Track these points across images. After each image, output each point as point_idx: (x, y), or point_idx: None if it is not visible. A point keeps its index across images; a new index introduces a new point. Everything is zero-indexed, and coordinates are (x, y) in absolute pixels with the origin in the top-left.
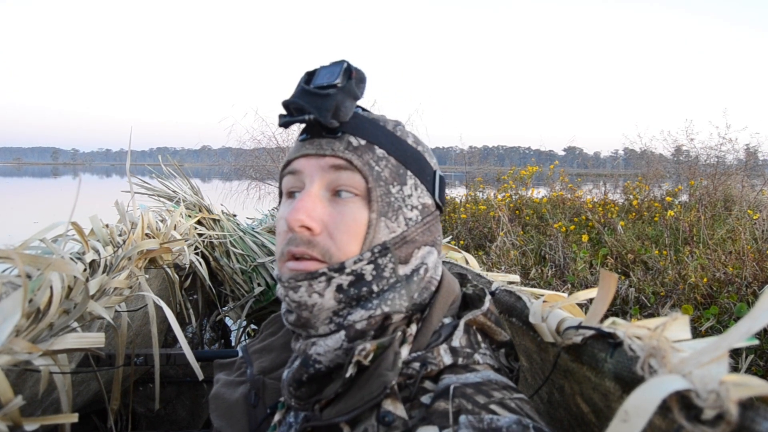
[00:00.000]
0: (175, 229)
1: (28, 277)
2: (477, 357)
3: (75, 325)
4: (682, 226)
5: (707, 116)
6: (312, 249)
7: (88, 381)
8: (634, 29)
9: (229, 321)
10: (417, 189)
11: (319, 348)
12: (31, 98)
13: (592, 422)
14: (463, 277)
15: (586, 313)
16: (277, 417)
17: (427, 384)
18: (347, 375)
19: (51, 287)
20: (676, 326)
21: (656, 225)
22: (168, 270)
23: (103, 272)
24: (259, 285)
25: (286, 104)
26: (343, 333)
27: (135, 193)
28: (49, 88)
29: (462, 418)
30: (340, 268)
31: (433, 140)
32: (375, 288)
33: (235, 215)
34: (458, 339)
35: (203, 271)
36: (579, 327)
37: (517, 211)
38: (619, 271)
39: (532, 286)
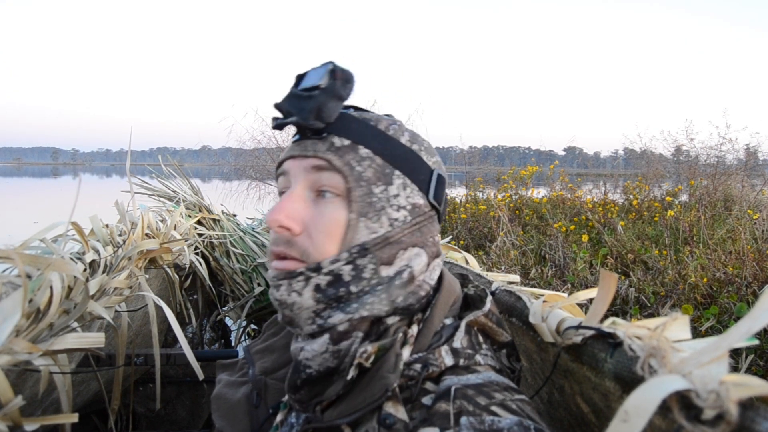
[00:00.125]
0: (175, 229)
1: (28, 277)
2: (478, 358)
3: (75, 325)
4: (682, 226)
5: (707, 116)
6: (291, 249)
7: (88, 381)
8: (634, 29)
9: (229, 321)
10: (406, 189)
11: (306, 353)
12: (31, 98)
13: (592, 422)
14: (464, 278)
15: (586, 313)
16: (279, 417)
17: (429, 385)
18: (348, 377)
19: (51, 287)
20: (676, 326)
21: (656, 225)
22: (168, 270)
23: (103, 272)
24: (259, 285)
25: (275, 107)
26: (327, 336)
27: (135, 193)
28: (49, 88)
29: (463, 419)
30: (317, 268)
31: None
32: (354, 289)
33: (235, 215)
34: (459, 340)
35: (203, 271)
36: (579, 327)
37: (517, 211)
38: (619, 271)
39: (532, 286)
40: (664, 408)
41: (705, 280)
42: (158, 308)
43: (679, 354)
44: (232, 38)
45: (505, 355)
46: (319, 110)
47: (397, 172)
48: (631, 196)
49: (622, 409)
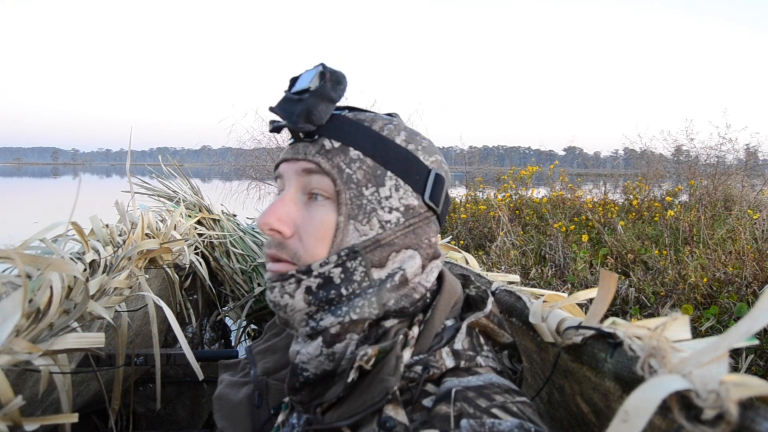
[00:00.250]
0: (175, 229)
1: (28, 277)
2: (479, 360)
3: (75, 325)
4: (682, 226)
5: (707, 116)
6: (282, 251)
7: (88, 381)
8: (634, 29)
9: (229, 321)
10: (398, 190)
11: (302, 356)
12: (31, 98)
13: (592, 422)
14: (466, 279)
15: (586, 313)
16: (280, 418)
17: (429, 387)
18: (349, 380)
19: (51, 287)
20: (676, 326)
21: (656, 225)
22: (168, 270)
23: (103, 272)
24: (259, 285)
25: (270, 110)
26: (320, 339)
27: (135, 193)
28: (49, 88)
29: (463, 422)
30: (308, 271)
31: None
32: (344, 291)
33: (235, 215)
34: (460, 342)
35: (203, 271)
36: (579, 327)
37: (517, 211)
38: (619, 271)
39: (532, 286)
40: (664, 408)
41: (705, 280)
42: (158, 308)
43: (679, 354)
44: (232, 38)
45: (507, 357)
46: (308, 113)
47: (389, 173)
48: (631, 196)
49: (622, 409)
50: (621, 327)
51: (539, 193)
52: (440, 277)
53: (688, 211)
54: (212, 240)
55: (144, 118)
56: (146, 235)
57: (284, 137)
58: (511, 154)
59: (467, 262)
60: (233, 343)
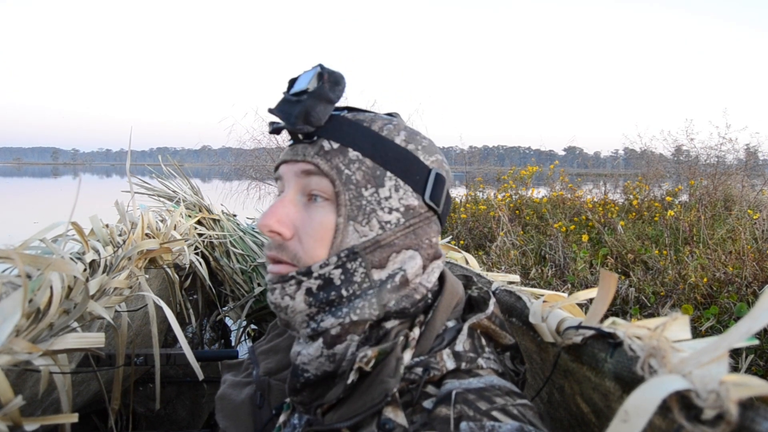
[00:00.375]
0: (175, 229)
1: (28, 277)
2: (480, 361)
3: (75, 325)
4: (682, 226)
5: (707, 116)
6: (282, 253)
7: (88, 381)
8: (634, 29)
9: (229, 321)
10: (398, 190)
11: (303, 357)
12: (31, 98)
13: (592, 422)
14: (468, 279)
15: (586, 313)
16: (282, 418)
17: (430, 388)
18: (349, 381)
19: (51, 287)
20: (676, 326)
21: (656, 225)
22: (168, 270)
23: (103, 272)
24: (259, 285)
25: (270, 112)
26: (321, 340)
27: (135, 193)
28: (49, 88)
29: (463, 424)
30: (308, 272)
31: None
32: (345, 293)
33: (235, 215)
34: (462, 343)
35: (203, 271)
36: (579, 327)
37: (517, 211)
38: (619, 271)
39: (532, 286)
40: (664, 408)
41: (705, 280)
42: (158, 308)
43: (679, 354)
44: (231, 38)
45: (509, 358)
46: (306, 114)
47: (388, 174)
48: (631, 196)
49: (622, 409)
50: (621, 327)
51: (539, 193)
52: (442, 278)
53: (688, 211)
54: (212, 240)
55: (144, 118)
56: (146, 235)
57: (284, 138)
58: (511, 154)
59: (467, 262)
60: (233, 343)
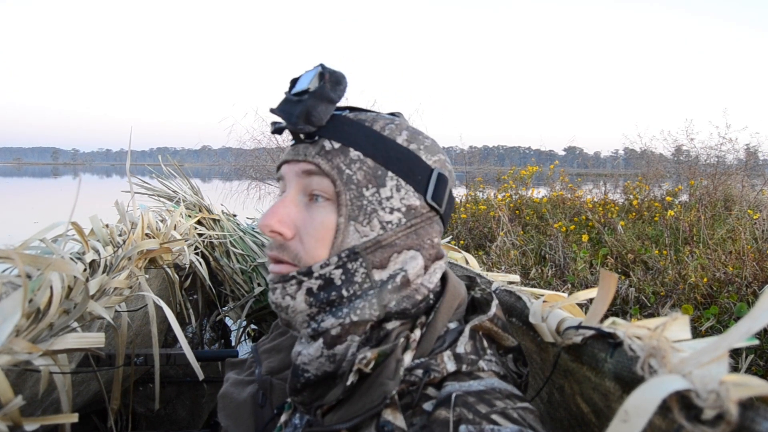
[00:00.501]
0: (175, 229)
1: (28, 277)
2: (482, 364)
3: (75, 325)
4: (682, 226)
5: (707, 116)
6: (283, 253)
7: (88, 381)
8: (634, 29)
9: (229, 321)
10: (400, 190)
11: (303, 357)
12: (31, 98)
13: (592, 422)
14: (471, 280)
15: (586, 313)
16: (283, 418)
17: (430, 390)
18: (348, 383)
19: (51, 287)
20: (676, 326)
21: (656, 225)
22: (168, 270)
23: (103, 272)
24: (259, 285)
25: (271, 112)
26: (321, 341)
27: (135, 193)
28: (49, 88)
29: (462, 428)
30: (309, 272)
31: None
32: (345, 293)
33: (235, 215)
34: (463, 345)
35: (203, 271)
36: (579, 327)
37: (517, 211)
38: (619, 271)
39: (532, 286)
40: (664, 408)
41: (705, 280)
42: (158, 308)
43: (679, 354)
44: (232, 38)
45: (512, 360)
46: (308, 114)
47: (390, 174)
48: (631, 196)
49: (622, 409)
50: (621, 327)
51: (539, 193)
52: (444, 279)
53: (688, 211)
54: (212, 240)
55: (144, 118)
56: (146, 235)
57: (285, 137)
58: (511, 154)
59: (467, 262)
60: (233, 343)
